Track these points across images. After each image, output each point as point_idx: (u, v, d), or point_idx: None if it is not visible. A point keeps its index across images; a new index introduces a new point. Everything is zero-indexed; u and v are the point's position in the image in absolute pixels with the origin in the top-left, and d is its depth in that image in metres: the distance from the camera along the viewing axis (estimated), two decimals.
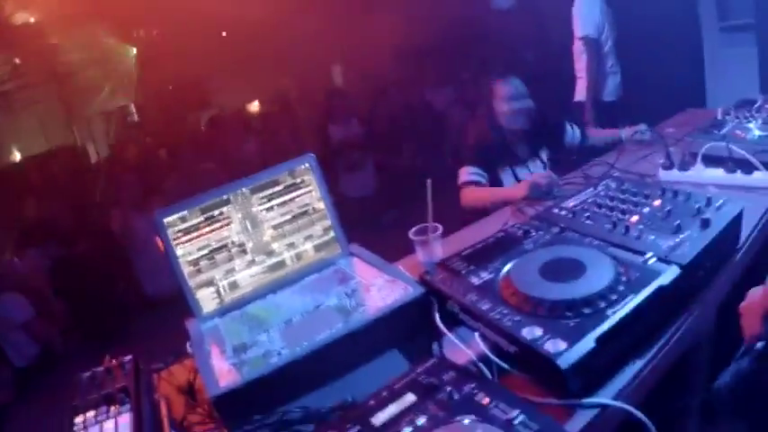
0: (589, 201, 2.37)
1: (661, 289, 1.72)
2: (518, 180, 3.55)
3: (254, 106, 10.43)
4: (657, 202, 2.21)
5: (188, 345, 2.07)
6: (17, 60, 9.11)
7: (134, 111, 11.10)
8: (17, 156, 10.45)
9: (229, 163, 7.00)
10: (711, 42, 6.23)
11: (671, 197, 2.25)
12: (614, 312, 1.63)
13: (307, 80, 9.30)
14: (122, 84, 10.54)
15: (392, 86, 8.16)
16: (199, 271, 2.12)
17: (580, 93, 5.66)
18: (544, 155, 3.78)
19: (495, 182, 3.56)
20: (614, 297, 1.69)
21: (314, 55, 9.02)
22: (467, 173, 3.52)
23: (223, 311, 2.14)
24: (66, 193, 7.80)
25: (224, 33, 10.16)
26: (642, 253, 1.87)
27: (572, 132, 3.90)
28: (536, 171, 3.61)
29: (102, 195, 7.29)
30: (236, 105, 10.23)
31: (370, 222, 6.18)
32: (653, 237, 1.97)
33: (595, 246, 1.98)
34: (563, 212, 2.31)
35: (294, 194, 2.26)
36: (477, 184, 3.50)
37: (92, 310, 5.95)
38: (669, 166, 2.90)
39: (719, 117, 3.20)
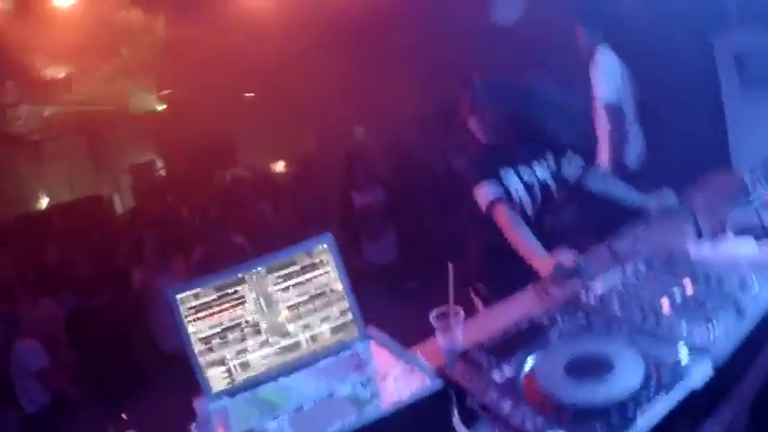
0: (618, 284, 2.27)
1: (694, 392, 1.63)
2: (522, 181, 3.32)
3: (280, 167, 10.49)
4: (689, 287, 2.11)
5: (193, 426, 1.99)
6: (46, 113, 9.27)
7: (161, 166, 11.22)
8: (43, 203, 10.55)
9: (251, 226, 6.99)
10: (732, 98, 6.12)
11: (703, 280, 2.15)
12: (643, 420, 1.54)
13: (331, 144, 9.34)
14: (150, 139, 10.68)
15: (416, 151, 8.16)
16: (210, 349, 2.06)
17: (601, 158, 5.46)
18: (551, 159, 3.46)
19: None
20: (644, 401, 1.59)
21: (338, 118, 9.10)
22: (485, 192, 3.23)
23: (233, 392, 2.07)
24: (89, 243, 7.82)
25: (251, 94, 10.30)
26: (674, 346, 1.77)
27: (567, 162, 3.49)
28: (543, 174, 3.37)
29: (125, 250, 7.29)
30: (262, 165, 10.29)
31: (390, 290, 6.10)
32: (685, 328, 1.87)
33: (624, 339, 1.88)
34: (590, 299, 2.22)
35: (311, 275, 2.20)
36: (501, 200, 3.19)
37: (105, 362, 5.89)
38: (699, 238, 2.78)
39: (747, 180, 3.09)
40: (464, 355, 2.01)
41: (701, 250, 2.64)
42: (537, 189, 3.35)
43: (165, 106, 10.33)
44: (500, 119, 3.27)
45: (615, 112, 5.24)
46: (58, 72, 8.34)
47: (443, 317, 2.29)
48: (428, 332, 2.38)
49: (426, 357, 2.04)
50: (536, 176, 3.36)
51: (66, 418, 5.41)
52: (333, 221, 6.87)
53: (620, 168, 5.34)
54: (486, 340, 2.08)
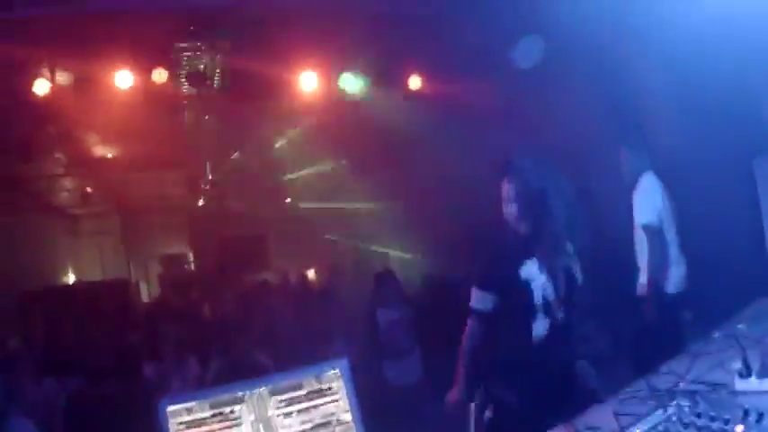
0: (659, 428, 2.07)
1: None
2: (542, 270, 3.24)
3: (311, 274, 10.40)
4: (740, 429, 1.91)
5: None
6: (89, 189, 9.39)
7: (191, 260, 11.21)
8: (71, 278, 10.54)
9: (273, 334, 6.83)
10: None
11: (754, 422, 1.94)
12: None
13: (361, 260, 9.28)
14: (183, 232, 10.71)
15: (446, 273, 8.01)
16: None
17: (642, 286, 5.26)
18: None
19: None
20: None
21: (371, 235, 9.08)
22: (474, 297, 3.32)
23: None
24: (107, 326, 7.69)
25: (288, 200, 10.36)
26: None
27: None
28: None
29: (142, 341, 7.13)
30: (294, 270, 10.23)
31: (410, 413, 5.85)
32: None
33: None
34: None
35: (318, 402, 2.00)
36: (478, 315, 3.30)
37: None
38: (746, 374, 2.52)
39: None
40: None
41: (749, 386, 2.42)
42: (562, 283, 3.30)
43: (202, 201, 10.41)
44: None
45: (654, 234, 5.16)
46: (106, 151, 8.49)
47: None
48: None
49: None
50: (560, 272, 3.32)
51: None
52: (355, 337, 6.70)
53: (659, 294, 5.17)
54: None
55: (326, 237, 9.74)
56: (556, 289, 3.27)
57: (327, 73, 7.37)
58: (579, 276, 3.37)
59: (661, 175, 5.36)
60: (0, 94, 6.31)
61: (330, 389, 2.02)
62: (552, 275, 3.27)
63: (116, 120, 6.91)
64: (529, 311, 3.25)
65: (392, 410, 5.81)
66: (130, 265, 10.86)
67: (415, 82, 7.92)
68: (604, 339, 6.93)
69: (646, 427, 2.09)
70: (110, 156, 8.53)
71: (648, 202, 5.23)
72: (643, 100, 6.89)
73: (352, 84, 7.59)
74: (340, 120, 7.75)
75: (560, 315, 3.30)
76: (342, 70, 7.50)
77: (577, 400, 2.90)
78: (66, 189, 9.36)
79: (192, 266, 11.08)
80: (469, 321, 3.38)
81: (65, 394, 5.97)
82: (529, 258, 3.27)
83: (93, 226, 10.29)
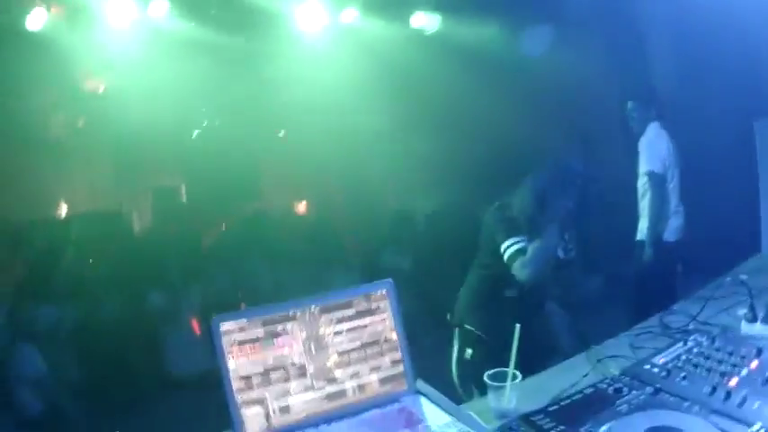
0: (682, 358, 2.15)
1: None
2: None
3: (303, 207, 10.42)
4: (755, 364, 1.98)
5: None
6: (81, 123, 9.27)
7: (183, 192, 11.13)
8: (63, 211, 10.47)
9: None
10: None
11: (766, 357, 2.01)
12: None
13: (359, 196, 9.32)
14: (177, 164, 10.61)
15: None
16: (250, 388, 1.90)
17: (641, 231, 5.47)
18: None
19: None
20: None
21: (369, 172, 9.06)
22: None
23: None
24: (105, 256, 7.70)
25: (281, 133, 10.27)
26: (748, 424, 1.69)
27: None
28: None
29: (144, 269, 7.16)
30: (287, 204, 10.23)
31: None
32: (757, 405, 1.77)
33: (697, 413, 1.79)
34: (655, 369, 2.11)
35: (367, 320, 2.05)
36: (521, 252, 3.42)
37: (106, 378, 5.73)
38: (753, 319, 2.62)
39: None
40: (527, 418, 1.90)
41: (755, 331, 2.53)
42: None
43: (197, 132, 10.30)
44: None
45: (658, 180, 5.30)
46: (98, 85, 8.34)
47: (498, 377, 2.14)
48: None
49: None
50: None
51: (56, 427, 5.35)
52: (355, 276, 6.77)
53: (658, 241, 5.31)
54: (549, 405, 1.97)
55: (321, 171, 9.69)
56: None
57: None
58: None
59: (666, 126, 5.44)
60: None
61: (378, 308, 2.07)
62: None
63: (111, 54, 6.79)
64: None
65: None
66: (123, 198, 10.80)
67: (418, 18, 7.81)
68: (600, 282, 7.10)
69: (669, 358, 2.16)
70: (102, 90, 8.39)
71: (654, 150, 5.36)
72: (651, 53, 6.91)
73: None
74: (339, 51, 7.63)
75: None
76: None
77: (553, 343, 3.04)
78: (59, 122, 9.23)
79: (184, 198, 11.04)
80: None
81: (68, 321, 6.05)
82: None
83: (85, 160, 10.18)
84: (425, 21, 7.72)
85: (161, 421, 5.32)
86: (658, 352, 2.25)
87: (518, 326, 2.10)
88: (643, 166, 5.40)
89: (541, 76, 7.21)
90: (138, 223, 10.86)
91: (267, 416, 1.91)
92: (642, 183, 5.44)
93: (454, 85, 7.59)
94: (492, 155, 7.54)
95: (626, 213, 5.75)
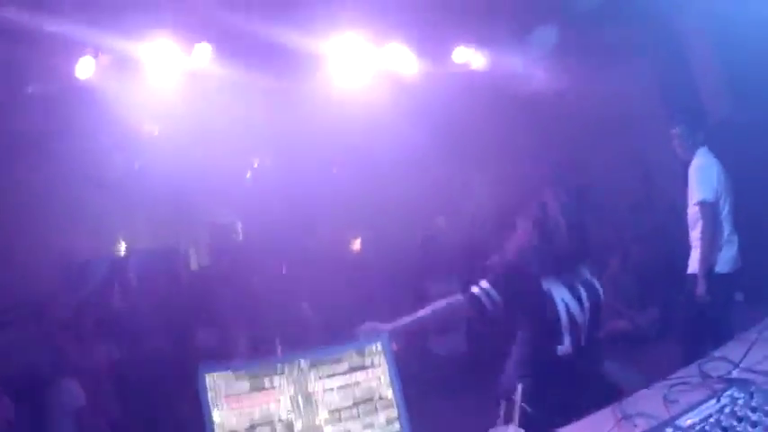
0: (711, 420, 1.97)
1: None
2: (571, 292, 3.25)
3: (357, 245, 10.39)
4: None
5: None
6: (138, 164, 9.55)
7: (239, 230, 11.28)
8: (122, 248, 10.71)
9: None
10: None
11: None
12: None
13: (409, 230, 9.24)
14: (233, 202, 10.78)
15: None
16: None
17: (693, 264, 5.19)
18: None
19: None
20: None
21: (418, 205, 8.99)
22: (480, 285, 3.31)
23: None
24: (157, 294, 7.81)
25: (334, 170, 10.36)
26: None
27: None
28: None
29: (194, 307, 7.23)
30: (340, 241, 10.22)
31: (453, 384, 5.84)
32: None
33: None
34: None
35: (359, 377, 1.98)
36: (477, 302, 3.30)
37: (150, 417, 5.76)
38: None
39: None
40: None
41: None
42: (585, 300, 3.29)
43: (250, 172, 10.47)
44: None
45: (710, 209, 5.07)
46: (153, 129, 8.57)
47: None
48: None
49: None
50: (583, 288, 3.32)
51: None
52: (403, 308, 6.67)
53: (710, 274, 5.07)
54: None
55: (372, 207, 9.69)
56: (580, 303, 3.26)
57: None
58: (601, 293, 3.38)
59: (716, 151, 5.23)
60: (46, 78, 6.46)
61: (372, 363, 1.99)
62: (575, 291, 3.28)
63: (161, 98, 6.96)
64: (554, 321, 3.22)
65: (434, 382, 5.81)
66: (180, 236, 11.00)
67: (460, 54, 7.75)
68: (650, 319, 6.83)
69: (697, 419, 2.00)
70: (157, 133, 8.62)
71: (704, 178, 5.12)
72: (698, 74, 6.72)
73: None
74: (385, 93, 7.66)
75: (585, 329, 3.29)
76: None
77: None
78: (117, 164, 9.52)
79: (240, 236, 11.18)
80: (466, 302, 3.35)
81: (115, 359, 6.12)
82: (550, 272, 3.28)
83: (144, 199, 10.43)
84: (467, 56, 7.66)
85: None
86: (690, 409, 2.08)
87: (520, 386, 2.00)
88: (694, 196, 5.14)
89: (585, 103, 7.07)
90: (195, 260, 11.05)
91: None
92: (693, 212, 5.20)
93: (498, 119, 7.51)
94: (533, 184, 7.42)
95: (678, 244, 5.50)
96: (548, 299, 3.23)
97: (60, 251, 8.30)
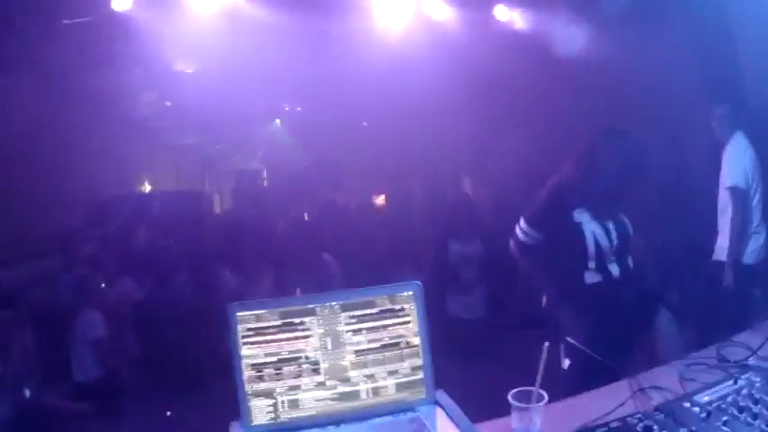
0: (728, 399, 1.96)
1: None
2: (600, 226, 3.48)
3: (382, 200, 10.37)
4: None
5: None
6: (168, 103, 9.50)
7: (265, 176, 11.32)
8: (147, 187, 10.77)
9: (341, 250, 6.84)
10: None
11: None
12: None
13: (436, 188, 9.19)
14: (260, 149, 10.79)
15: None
16: (260, 378, 1.87)
17: (720, 251, 5.10)
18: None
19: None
20: None
21: (448, 165, 8.94)
22: (519, 228, 3.60)
23: (274, 429, 1.86)
24: (181, 235, 7.85)
25: (365, 124, 10.29)
26: None
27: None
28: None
29: (217, 250, 7.27)
30: (366, 195, 10.21)
31: (471, 351, 5.83)
32: None
33: None
34: (695, 409, 1.92)
35: (389, 322, 1.97)
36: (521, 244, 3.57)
37: (167, 354, 5.81)
38: None
39: None
40: None
41: None
42: (615, 236, 3.50)
43: (279, 121, 10.46)
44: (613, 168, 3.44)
45: (742, 195, 4.96)
46: (186, 68, 8.53)
47: (523, 396, 2.01)
48: (502, 409, 2.11)
49: None
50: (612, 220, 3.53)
51: (110, 395, 5.39)
52: (424, 266, 6.66)
53: (737, 262, 4.98)
54: None
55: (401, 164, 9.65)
56: (609, 239, 3.47)
57: None
58: (631, 231, 3.57)
59: (752, 136, 5.10)
60: (83, 7, 6.42)
61: (402, 310, 1.98)
62: (604, 226, 3.49)
63: (195, 37, 6.91)
64: (582, 254, 3.44)
65: (453, 342, 5.81)
66: (206, 179, 11.07)
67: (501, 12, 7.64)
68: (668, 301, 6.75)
69: (714, 397, 1.99)
70: (190, 71, 8.57)
71: (739, 162, 4.99)
72: (743, 52, 6.52)
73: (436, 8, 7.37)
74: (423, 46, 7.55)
75: (614, 264, 3.50)
76: None
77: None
78: (146, 102, 9.50)
79: (266, 183, 11.22)
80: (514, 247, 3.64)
81: (136, 295, 6.19)
82: (580, 206, 3.48)
83: (170, 139, 10.46)
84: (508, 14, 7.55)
85: (216, 403, 5.34)
86: (706, 388, 2.08)
87: (546, 344, 1.97)
88: (726, 180, 5.01)
89: (622, 74, 6.92)
90: (219, 204, 11.11)
91: (275, 409, 1.86)
92: (724, 197, 5.08)
93: (533, 81, 7.39)
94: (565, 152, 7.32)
95: (704, 228, 5.40)
96: (577, 228, 3.44)
97: (87, 187, 8.36)
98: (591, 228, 3.45)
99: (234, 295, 6.54)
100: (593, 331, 3.18)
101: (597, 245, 3.43)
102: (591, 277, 3.47)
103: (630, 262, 3.59)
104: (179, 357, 5.84)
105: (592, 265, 3.45)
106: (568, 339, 3.50)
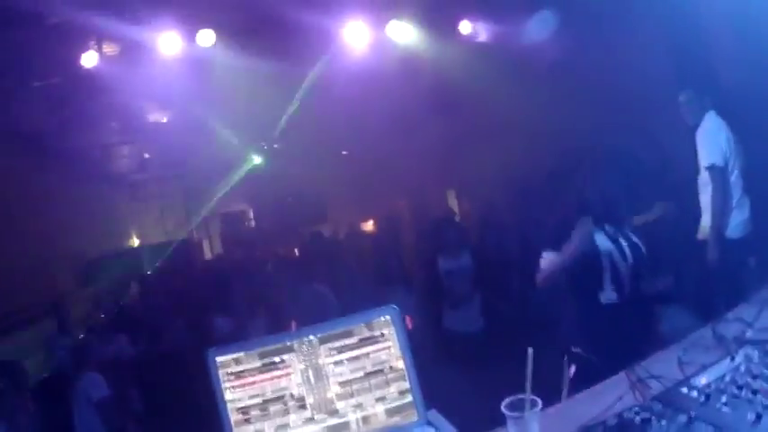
0: (726, 378, 1.93)
1: None
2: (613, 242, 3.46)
3: (369, 226, 10.38)
4: None
5: None
6: (146, 155, 9.52)
7: (252, 216, 11.32)
8: (135, 242, 10.75)
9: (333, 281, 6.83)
10: None
11: None
12: None
13: (421, 206, 9.21)
14: (244, 189, 10.80)
15: (508, 219, 7.86)
16: (247, 421, 1.85)
17: (704, 230, 5.13)
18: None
19: None
20: None
21: (429, 182, 8.97)
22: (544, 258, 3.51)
23: None
24: (174, 286, 7.84)
25: (344, 152, 10.32)
26: None
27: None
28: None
29: (211, 297, 7.25)
30: (352, 223, 10.21)
31: (469, 360, 5.80)
32: None
33: None
34: (693, 393, 1.89)
35: (370, 349, 1.95)
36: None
37: (170, 405, 5.79)
38: None
39: None
40: None
41: None
42: (628, 251, 3.47)
43: (263, 158, 10.47)
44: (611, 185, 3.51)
45: (719, 173, 4.99)
46: (160, 117, 8.56)
47: (518, 406, 1.99)
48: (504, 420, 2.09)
49: None
50: (624, 239, 3.51)
51: None
52: (416, 285, 6.66)
53: (722, 237, 5.01)
54: None
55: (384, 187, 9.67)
56: (623, 257, 3.44)
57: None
58: (643, 248, 3.54)
59: (724, 115, 5.14)
60: (51, 68, 6.44)
61: (381, 335, 1.96)
62: (618, 246, 3.46)
63: (167, 85, 6.94)
64: (599, 274, 3.41)
65: (451, 357, 5.78)
66: (193, 226, 11.04)
67: (465, 27, 7.70)
68: (663, 286, 6.74)
69: (712, 377, 1.96)
70: (165, 121, 8.61)
71: (712, 142, 5.03)
72: (704, 37, 6.59)
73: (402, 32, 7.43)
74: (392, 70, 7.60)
75: (630, 281, 3.47)
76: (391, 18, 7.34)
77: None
78: (124, 156, 9.51)
79: (253, 223, 11.22)
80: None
81: (134, 351, 6.16)
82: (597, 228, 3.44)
83: (152, 190, 10.45)
84: (472, 29, 7.62)
85: None
86: (704, 369, 2.04)
87: (530, 350, 1.96)
88: (703, 160, 5.06)
89: (591, 67, 6.97)
90: (209, 250, 11.09)
91: None
92: (704, 177, 5.10)
93: (505, 89, 7.45)
94: (545, 154, 7.35)
95: (688, 210, 5.43)
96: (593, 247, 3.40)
97: (72, 247, 8.33)
98: (606, 246, 3.45)
99: (230, 340, 6.52)
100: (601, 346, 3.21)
101: (612, 263, 3.42)
102: (605, 296, 3.47)
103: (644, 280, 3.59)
104: (181, 409, 5.81)
105: (608, 284, 3.44)
106: (572, 348, 3.53)
